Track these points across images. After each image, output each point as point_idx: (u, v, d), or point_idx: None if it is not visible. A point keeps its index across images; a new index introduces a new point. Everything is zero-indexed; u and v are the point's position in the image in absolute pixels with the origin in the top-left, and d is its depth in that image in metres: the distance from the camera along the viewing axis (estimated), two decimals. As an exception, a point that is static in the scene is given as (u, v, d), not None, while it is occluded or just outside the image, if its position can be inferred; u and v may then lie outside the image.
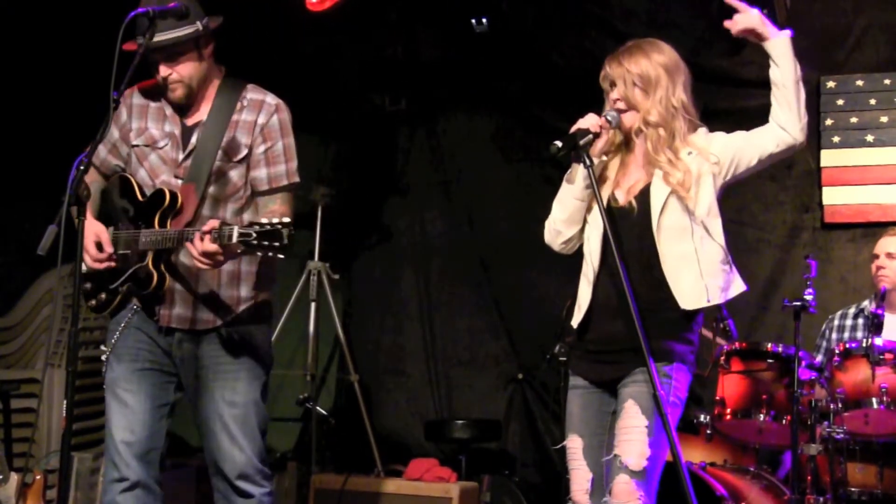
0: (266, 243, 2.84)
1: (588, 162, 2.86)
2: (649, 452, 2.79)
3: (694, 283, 2.88)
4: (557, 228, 3.06)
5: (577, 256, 3.11)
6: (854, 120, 5.22)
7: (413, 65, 5.86)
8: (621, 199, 2.98)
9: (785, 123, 2.89)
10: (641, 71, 2.94)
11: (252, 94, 3.31)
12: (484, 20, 5.48)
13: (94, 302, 3.29)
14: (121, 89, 2.85)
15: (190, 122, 3.30)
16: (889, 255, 4.47)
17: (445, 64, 5.86)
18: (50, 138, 5.75)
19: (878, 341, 3.96)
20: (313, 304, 5.54)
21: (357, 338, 5.96)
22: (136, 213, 3.22)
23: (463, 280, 5.89)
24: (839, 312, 4.71)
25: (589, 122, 2.91)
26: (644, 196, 2.94)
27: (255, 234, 2.85)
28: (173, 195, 3.17)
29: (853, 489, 4.10)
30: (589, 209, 3.01)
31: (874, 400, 3.92)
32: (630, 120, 2.98)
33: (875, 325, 4.01)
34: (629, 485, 2.77)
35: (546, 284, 5.55)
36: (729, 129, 3.02)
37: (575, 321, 3.02)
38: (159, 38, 3.08)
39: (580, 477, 2.95)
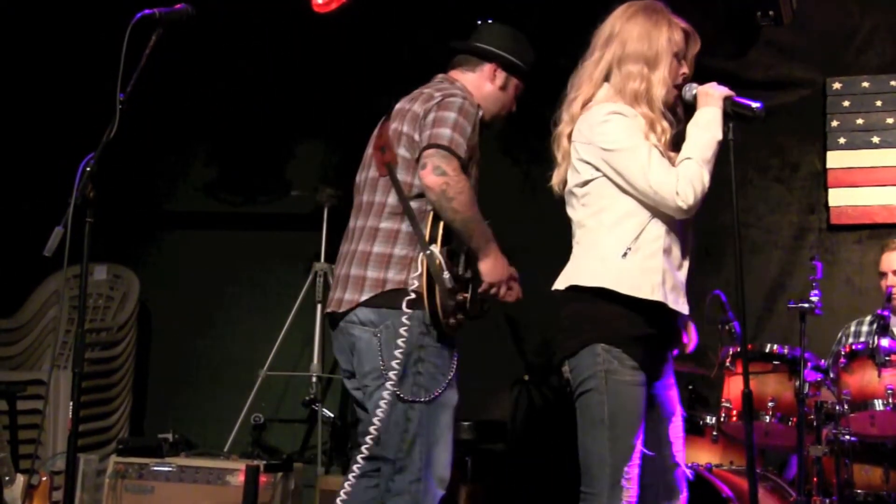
0: None
1: (731, 135, 2.77)
2: None
3: None
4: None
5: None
6: (860, 121, 5.21)
7: (418, 66, 5.85)
8: None
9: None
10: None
11: None
12: (489, 22, 5.47)
13: (456, 319, 3.36)
14: (127, 91, 2.85)
15: None
16: None
17: (451, 66, 5.85)
18: (55, 140, 5.77)
19: (884, 343, 3.95)
20: (319, 306, 5.54)
21: (362, 339, 5.94)
22: None
23: (468, 281, 5.88)
24: (856, 320, 4.70)
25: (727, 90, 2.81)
26: None
27: None
28: None
29: (859, 491, 4.09)
30: None
31: (880, 401, 3.91)
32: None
33: (881, 327, 4.00)
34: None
35: (552, 285, 5.53)
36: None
37: (668, 300, 2.78)
38: None
39: (636, 485, 2.74)
